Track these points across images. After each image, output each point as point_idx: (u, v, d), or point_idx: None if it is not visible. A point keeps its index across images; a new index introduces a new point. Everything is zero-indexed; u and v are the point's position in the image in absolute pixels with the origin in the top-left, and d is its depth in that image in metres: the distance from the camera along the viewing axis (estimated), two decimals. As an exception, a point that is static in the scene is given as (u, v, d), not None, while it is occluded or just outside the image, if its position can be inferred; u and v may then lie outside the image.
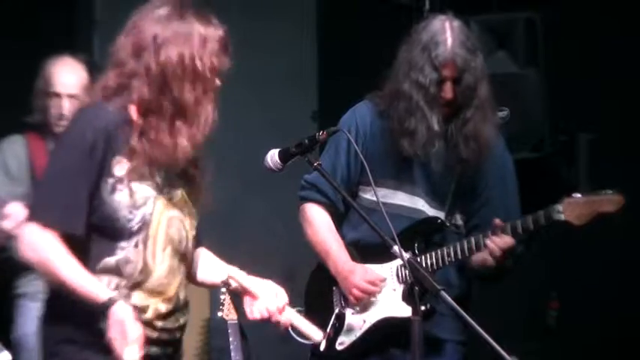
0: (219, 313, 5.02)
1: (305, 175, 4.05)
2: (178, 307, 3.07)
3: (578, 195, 3.76)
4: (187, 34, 2.94)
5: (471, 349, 3.99)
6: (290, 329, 3.24)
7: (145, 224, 2.96)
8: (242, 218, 5.85)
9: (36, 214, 2.93)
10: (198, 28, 2.95)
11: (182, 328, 3.11)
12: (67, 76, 4.56)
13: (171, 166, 2.99)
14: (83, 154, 2.89)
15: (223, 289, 5.04)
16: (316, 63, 6.25)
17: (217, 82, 3.04)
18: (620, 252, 5.32)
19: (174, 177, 3.05)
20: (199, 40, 2.95)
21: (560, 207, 3.74)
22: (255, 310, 3.10)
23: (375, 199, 3.72)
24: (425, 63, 3.83)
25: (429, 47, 3.83)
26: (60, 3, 5.58)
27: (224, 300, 5.03)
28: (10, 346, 4.47)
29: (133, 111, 2.95)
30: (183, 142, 2.95)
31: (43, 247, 2.89)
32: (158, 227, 2.99)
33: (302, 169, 3.60)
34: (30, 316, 4.43)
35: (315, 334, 3.17)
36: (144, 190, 2.96)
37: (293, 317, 3.15)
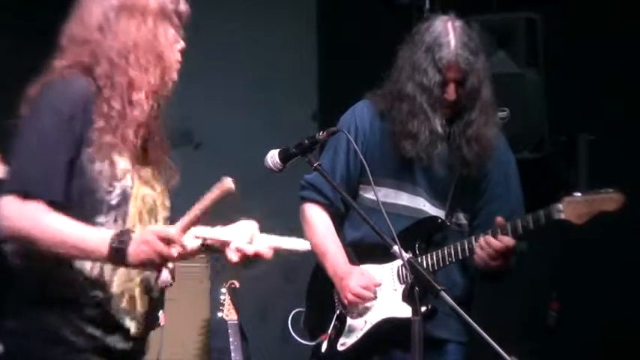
0: (219, 313, 5.03)
1: (305, 175, 4.05)
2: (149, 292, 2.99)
3: (579, 194, 3.76)
4: (142, 2, 2.92)
5: (472, 349, 3.99)
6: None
7: (124, 199, 2.88)
8: (242, 218, 5.84)
9: (14, 185, 2.78)
10: None
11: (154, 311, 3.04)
12: None
13: (135, 136, 2.91)
14: (61, 123, 2.80)
15: (223, 290, 5.05)
16: (316, 63, 6.25)
17: (180, 43, 2.99)
18: (620, 252, 5.32)
19: (142, 154, 2.98)
20: (155, 6, 2.92)
21: (560, 206, 3.74)
22: (231, 256, 2.96)
23: (375, 198, 3.72)
24: (428, 65, 3.82)
25: (432, 49, 3.83)
26: (60, 3, 5.57)
27: (224, 300, 5.03)
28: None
29: (100, 83, 2.89)
30: (141, 107, 2.89)
31: (30, 214, 2.74)
32: (136, 203, 2.91)
33: (302, 169, 3.60)
34: None
35: (298, 244, 3.05)
36: (123, 162, 2.89)
37: (269, 240, 3.02)
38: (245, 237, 2.98)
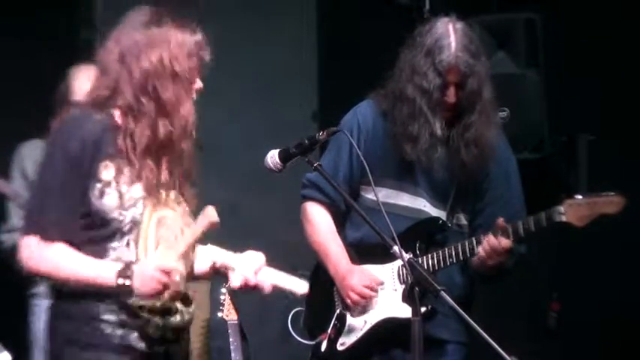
0: (219, 314, 5.02)
1: (307, 174, 4.04)
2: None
3: (579, 196, 3.76)
4: (164, 39, 3.08)
5: (472, 349, 3.99)
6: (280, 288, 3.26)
7: (135, 224, 3.05)
8: (242, 218, 5.84)
9: (32, 227, 3.03)
10: (174, 33, 3.10)
11: (186, 325, 3.16)
12: (88, 85, 4.59)
13: (155, 165, 3.09)
14: (70, 164, 3.01)
15: (223, 290, 5.05)
16: (316, 63, 6.25)
17: (198, 82, 3.18)
18: (620, 253, 5.32)
19: (165, 178, 3.14)
20: (176, 43, 3.09)
21: (561, 208, 3.74)
22: (234, 280, 3.21)
23: (376, 198, 3.72)
24: (429, 68, 3.82)
25: (432, 52, 3.82)
26: (60, 3, 5.58)
27: (224, 300, 5.03)
28: (22, 346, 4.54)
29: (117, 115, 3.06)
30: (165, 135, 3.07)
31: (49, 257, 3.01)
32: (148, 227, 3.06)
33: (302, 169, 3.60)
34: (43, 316, 4.48)
35: (298, 286, 3.26)
36: (133, 191, 3.05)
37: (272, 276, 3.24)
38: (252, 267, 3.22)
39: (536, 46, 5.18)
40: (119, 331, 3.03)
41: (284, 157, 3.39)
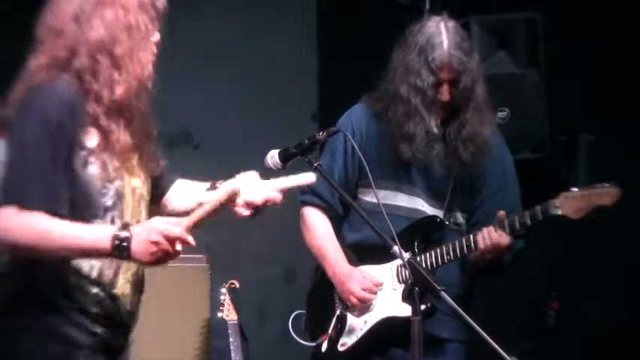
0: (219, 313, 5.02)
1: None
2: (138, 283, 3.00)
3: (575, 189, 3.77)
4: None
5: (471, 349, 3.99)
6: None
7: (118, 198, 2.89)
8: (242, 218, 5.84)
9: (10, 197, 2.78)
10: None
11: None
12: None
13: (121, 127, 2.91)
14: (51, 131, 2.78)
15: (223, 290, 5.05)
16: (316, 63, 6.25)
17: (156, 35, 2.99)
18: (620, 252, 5.32)
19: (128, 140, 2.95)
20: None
21: (557, 202, 3.75)
22: (242, 211, 3.04)
23: (375, 200, 3.73)
24: (422, 66, 3.83)
25: (425, 50, 3.83)
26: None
27: (224, 300, 5.03)
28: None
29: (83, 78, 2.88)
30: (120, 91, 2.88)
31: (33, 226, 2.75)
32: (130, 200, 2.93)
33: (302, 169, 3.60)
34: None
35: (305, 178, 3.05)
36: (115, 162, 2.89)
37: (275, 184, 3.05)
38: (254, 189, 3.01)
39: (536, 45, 5.18)
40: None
41: (284, 157, 3.39)
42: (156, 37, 2.99)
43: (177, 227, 2.78)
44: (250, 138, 5.74)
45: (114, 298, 2.92)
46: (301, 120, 6.11)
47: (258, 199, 3.03)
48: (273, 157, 3.41)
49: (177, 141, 5.86)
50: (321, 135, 3.40)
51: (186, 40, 5.59)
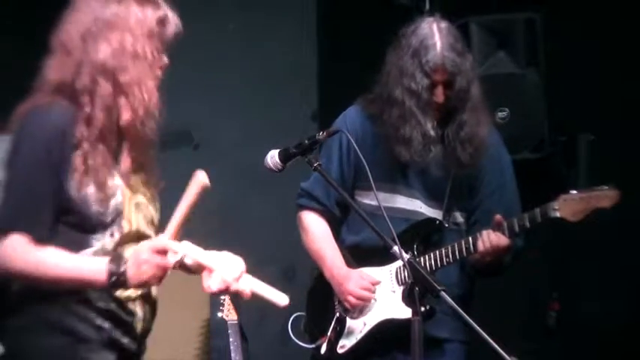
0: (219, 313, 5.02)
1: (302, 183, 4.07)
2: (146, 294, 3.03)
3: (574, 192, 3.77)
4: (124, 17, 2.92)
5: (472, 349, 3.99)
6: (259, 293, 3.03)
7: (117, 215, 2.92)
8: (242, 218, 5.85)
9: (7, 224, 2.84)
10: (135, 10, 2.94)
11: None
12: None
13: (117, 150, 2.96)
14: (40, 156, 2.83)
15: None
16: (316, 63, 6.25)
17: (163, 59, 3.01)
18: (620, 253, 5.32)
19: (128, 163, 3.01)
20: (136, 22, 2.93)
21: (555, 204, 3.75)
22: (212, 284, 2.94)
23: (373, 203, 3.73)
24: (415, 69, 3.82)
25: (418, 52, 3.82)
26: (60, 3, 5.56)
27: (224, 300, 5.03)
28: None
29: (80, 100, 2.90)
30: (127, 116, 2.92)
31: (22, 256, 2.81)
32: (130, 215, 2.95)
33: (302, 170, 3.60)
34: None
35: (278, 298, 3.00)
36: (112, 179, 2.92)
37: (253, 284, 3.00)
38: (234, 273, 2.96)
39: (536, 46, 5.18)
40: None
41: (284, 157, 3.39)
42: (163, 61, 3.01)
43: (161, 238, 2.84)
44: (250, 138, 5.74)
45: (117, 300, 2.93)
46: (301, 120, 6.11)
47: (234, 286, 2.96)
48: (273, 157, 3.41)
49: (178, 141, 5.85)
50: (321, 135, 3.40)
51: (186, 41, 5.59)
